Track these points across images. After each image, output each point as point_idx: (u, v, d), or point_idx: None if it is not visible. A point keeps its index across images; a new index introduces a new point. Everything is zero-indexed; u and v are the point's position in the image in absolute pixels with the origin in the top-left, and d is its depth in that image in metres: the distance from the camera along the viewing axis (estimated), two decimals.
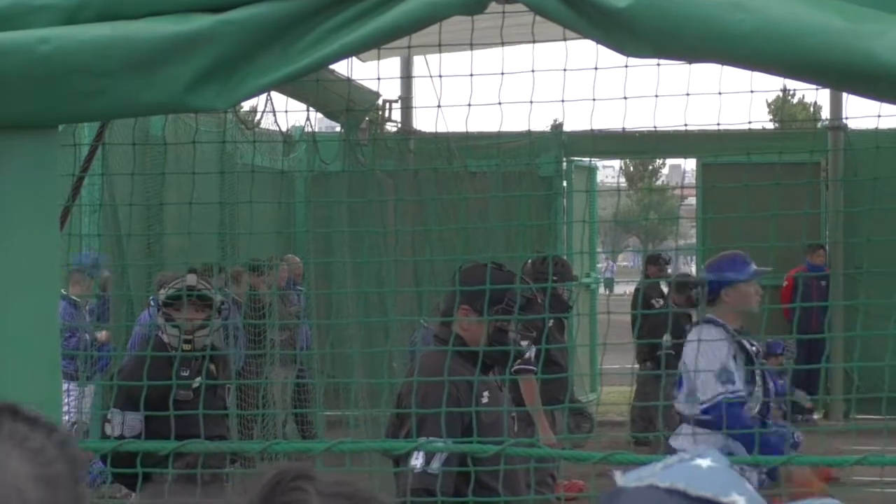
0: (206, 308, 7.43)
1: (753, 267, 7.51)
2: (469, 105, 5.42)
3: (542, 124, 16.08)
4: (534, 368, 8.91)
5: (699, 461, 1.79)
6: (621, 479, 1.79)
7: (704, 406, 7.03)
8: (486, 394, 5.58)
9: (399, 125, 15.56)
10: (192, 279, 7.55)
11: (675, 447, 7.01)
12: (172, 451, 5.57)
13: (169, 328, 7.37)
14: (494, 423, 5.54)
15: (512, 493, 5.55)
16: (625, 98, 5.21)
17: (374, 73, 14.87)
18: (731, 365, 7.02)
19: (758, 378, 7.26)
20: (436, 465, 5.31)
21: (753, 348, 7.35)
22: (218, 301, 7.70)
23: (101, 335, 11.68)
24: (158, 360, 6.69)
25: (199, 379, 7.10)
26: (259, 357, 11.70)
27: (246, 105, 11.34)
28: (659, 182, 49.17)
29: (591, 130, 5.87)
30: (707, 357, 6.99)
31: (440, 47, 4.56)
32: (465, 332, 5.63)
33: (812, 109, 35.24)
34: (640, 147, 15.95)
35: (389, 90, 19.14)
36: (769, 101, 41.63)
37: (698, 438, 6.60)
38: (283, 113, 9.10)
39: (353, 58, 4.10)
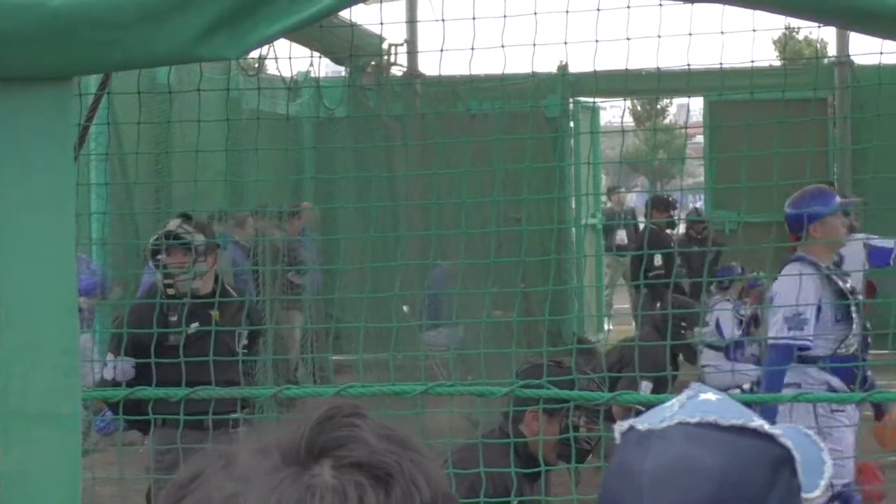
0: (189, 253, 7.42)
1: (838, 199, 7.56)
2: (472, 49, 5.42)
3: (549, 66, 15.97)
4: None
5: (708, 395, 1.83)
6: (639, 425, 1.80)
7: (771, 343, 7.21)
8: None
9: (405, 69, 15.51)
10: (173, 224, 7.53)
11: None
12: (183, 398, 5.62)
13: (157, 273, 7.41)
14: None
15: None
16: (628, 39, 5.23)
17: (379, 18, 14.82)
18: (807, 311, 7.08)
19: (854, 315, 7.28)
20: None
21: (847, 285, 7.35)
22: (200, 246, 7.59)
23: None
24: (151, 306, 6.69)
25: (195, 325, 7.11)
26: (272, 302, 11.72)
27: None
28: (666, 121, 48.96)
29: (595, 71, 5.86)
30: (786, 297, 7.06)
31: None
32: (532, 435, 5.53)
33: (818, 46, 35.07)
34: (647, 86, 15.90)
35: (394, 34, 19.09)
36: (774, 39, 41.43)
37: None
38: (289, 59, 9.07)
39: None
